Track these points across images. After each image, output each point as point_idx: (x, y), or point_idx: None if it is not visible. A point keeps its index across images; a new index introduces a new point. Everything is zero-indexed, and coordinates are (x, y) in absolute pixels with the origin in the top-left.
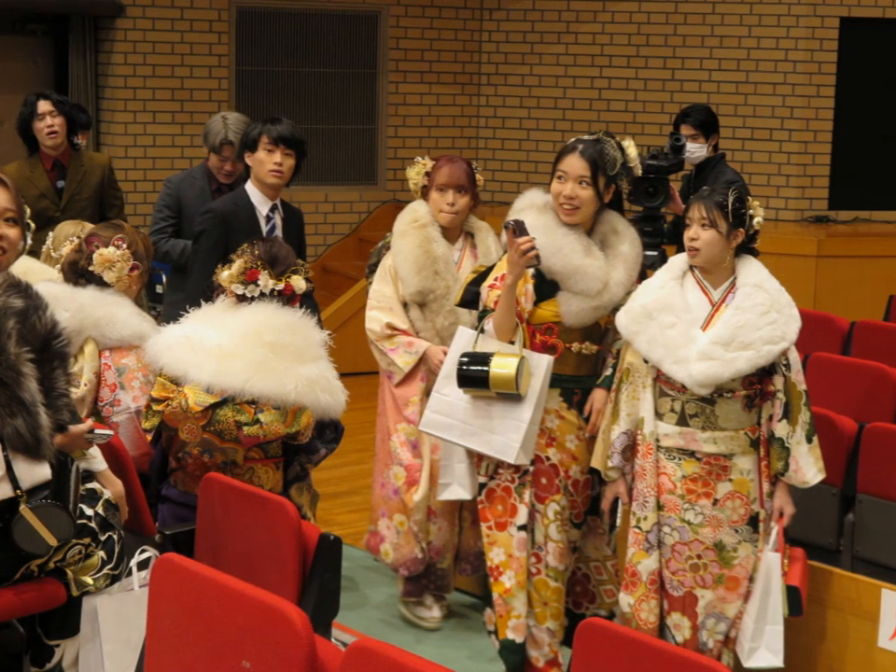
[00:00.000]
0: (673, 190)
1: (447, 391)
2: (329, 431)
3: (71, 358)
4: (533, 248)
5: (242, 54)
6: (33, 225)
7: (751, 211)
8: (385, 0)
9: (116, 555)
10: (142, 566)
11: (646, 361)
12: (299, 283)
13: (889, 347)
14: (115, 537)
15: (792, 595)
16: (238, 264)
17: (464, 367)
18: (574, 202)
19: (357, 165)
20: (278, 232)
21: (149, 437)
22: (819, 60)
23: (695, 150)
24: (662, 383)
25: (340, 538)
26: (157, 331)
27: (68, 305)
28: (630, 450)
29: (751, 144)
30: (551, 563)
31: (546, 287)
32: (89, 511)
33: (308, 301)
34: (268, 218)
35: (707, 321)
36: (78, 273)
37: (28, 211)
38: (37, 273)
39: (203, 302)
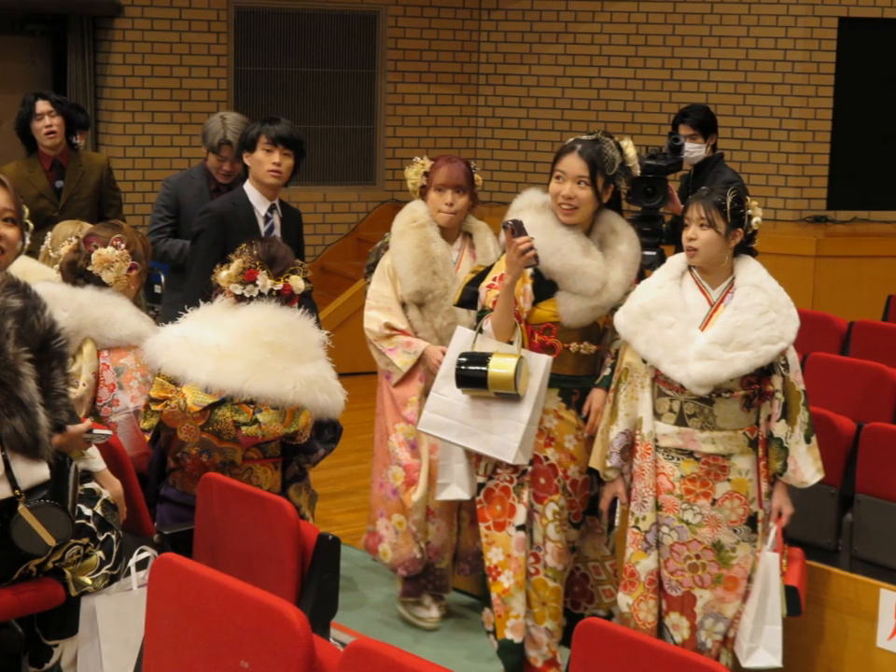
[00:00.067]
0: (671, 190)
1: (446, 391)
2: (327, 431)
3: (69, 358)
4: (531, 248)
5: (240, 54)
6: (31, 225)
7: (750, 211)
8: (384, 0)
9: (114, 555)
10: (140, 566)
11: (644, 361)
12: (297, 283)
13: (888, 347)
14: (113, 537)
15: (791, 594)
16: (236, 264)
17: (462, 367)
18: (572, 202)
19: (355, 165)
20: (277, 232)
21: (148, 437)
22: (818, 60)
23: (694, 150)
24: (660, 383)
25: (338, 538)
26: (155, 331)
27: (67, 305)
28: (628, 450)
29: (750, 144)
30: (549, 563)
31: (544, 286)
32: (87, 511)
33: (306, 301)
34: (266, 218)
35: (706, 321)
36: (77, 272)
37: (27, 211)
38: (36, 273)
39: (201, 302)
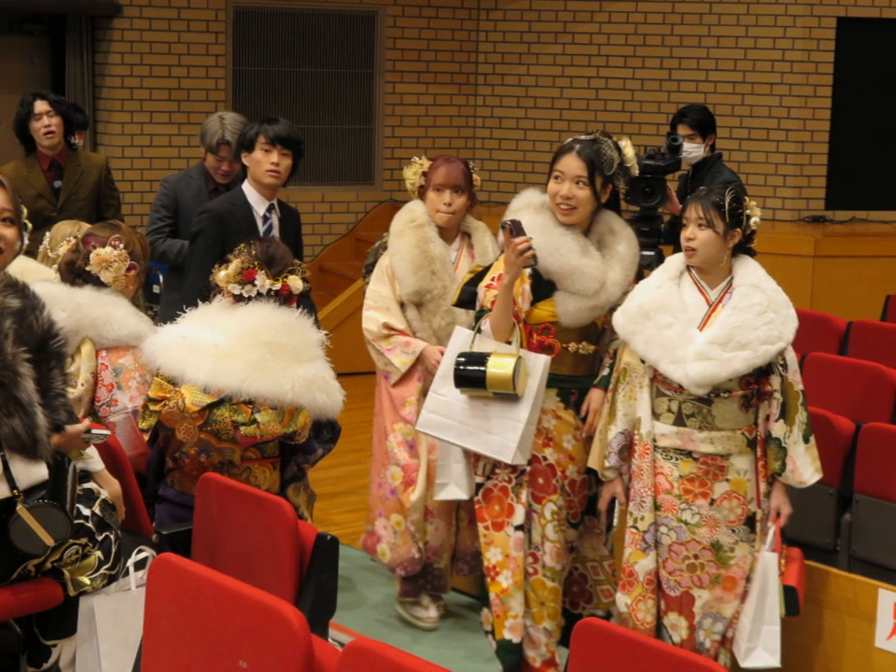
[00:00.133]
0: (670, 190)
1: (444, 391)
2: (325, 431)
3: (68, 358)
4: (530, 248)
5: (239, 54)
6: (30, 225)
7: (748, 211)
8: (382, 0)
9: (113, 555)
10: (139, 566)
11: (643, 361)
12: (296, 283)
13: (887, 347)
14: (112, 537)
15: (789, 594)
16: (235, 264)
17: (461, 367)
18: (571, 202)
19: (353, 165)
20: (275, 232)
21: (146, 437)
22: (816, 60)
23: (692, 150)
24: (659, 383)
25: (337, 538)
26: (154, 331)
27: (65, 305)
28: (627, 450)
29: (748, 144)
30: (548, 563)
31: (543, 287)
32: (86, 511)
33: (305, 301)
34: (265, 218)
35: (704, 321)
36: (75, 272)
37: (25, 211)
38: (34, 273)
39: (199, 302)
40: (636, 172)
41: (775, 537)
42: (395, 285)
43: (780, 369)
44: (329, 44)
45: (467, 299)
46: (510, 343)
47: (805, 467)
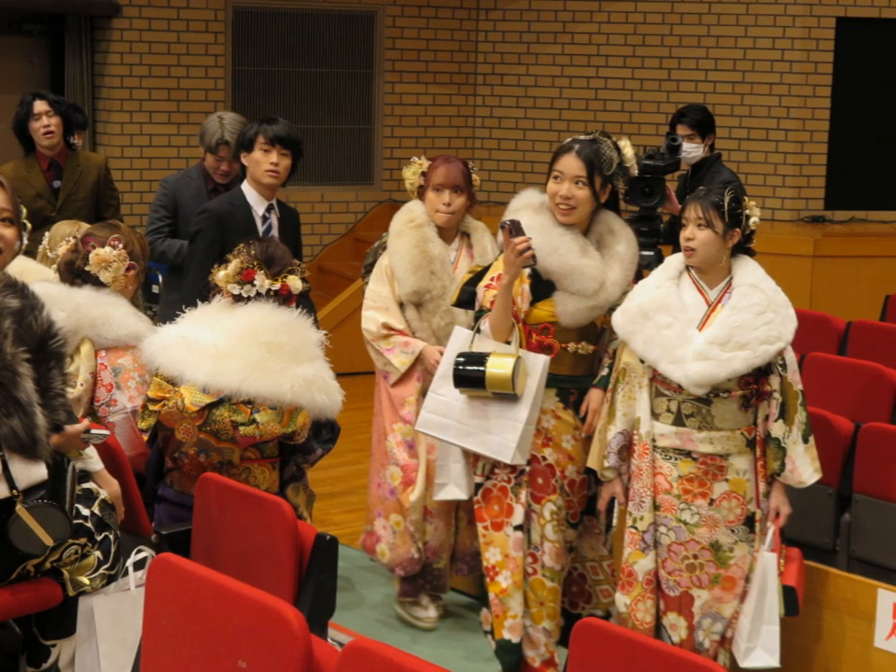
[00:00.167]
0: (669, 190)
1: (443, 391)
2: (325, 431)
3: (67, 358)
4: (529, 248)
5: (238, 54)
6: (29, 225)
7: (747, 211)
8: (382, 0)
9: (112, 555)
10: (138, 566)
11: (642, 361)
12: (295, 283)
13: (886, 347)
14: (111, 537)
15: (788, 594)
16: (234, 264)
17: (460, 367)
18: (570, 202)
19: (353, 165)
20: (274, 232)
21: (145, 437)
22: (816, 60)
23: (692, 150)
24: (658, 383)
25: (336, 538)
26: (153, 331)
27: (64, 305)
28: (626, 450)
29: (748, 144)
30: (547, 563)
31: (542, 287)
32: (85, 511)
33: (304, 301)
34: (264, 218)
35: (704, 321)
36: (75, 273)
37: (24, 211)
38: (34, 273)
39: (199, 302)
40: (635, 172)
41: (774, 537)
42: (394, 285)
43: (779, 369)
44: (328, 44)
45: (466, 299)
46: (509, 342)
47: (804, 467)
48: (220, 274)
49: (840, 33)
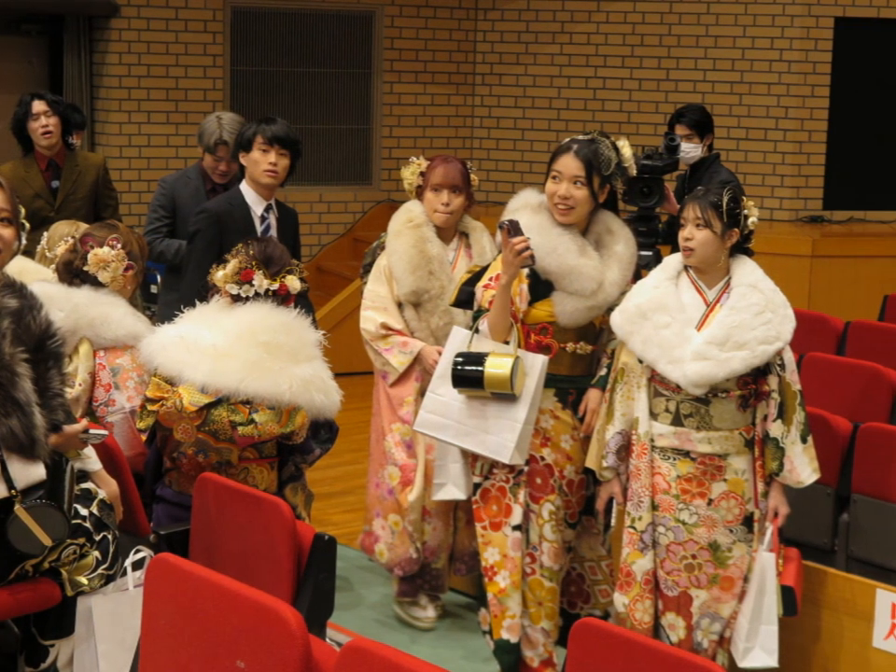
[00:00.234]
0: (668, 190)
1: (442, 391)
2: (323, 431)
3: (66, 358)
4: (528, 248)
5: (236, 54)
6: (27, 225)
7: (746, 211)
8: (380, 0)
9: (110, 555)
10: (137, 566)
11: (640, 361)
12: (293, 283)
13: (884, 347)
14: (110, 537)
15: (787, 595)
16: (233, 264)
17: (459, 367)
18: (569, 202)
19: (351, 165)
20: (273, 232)
21: (144, 437)
22: (814, 60)
23: (690, 150)
24: (656, 383)
25: (334, 538)
26: (151, 331)
27: (63, 305)
28: (625, 450)
29: (746, 144)
30: (545, 563)
31: (541, 287)
32: (83, 511)
33: (303, 301)
34: (262, 218)
35: (702, 321)
36: (73, 273)
37: (23, 211)
38: (32, 273)
39: (197, 302)
40: (633, 172)
41: (772, 537)
42: (392, 285)
43: (778, 369)
44: (326, 44)
45: (464, 299)
46: (507, 343)
47: (802, 467)
48: (219, 274)
49: (838, 33)
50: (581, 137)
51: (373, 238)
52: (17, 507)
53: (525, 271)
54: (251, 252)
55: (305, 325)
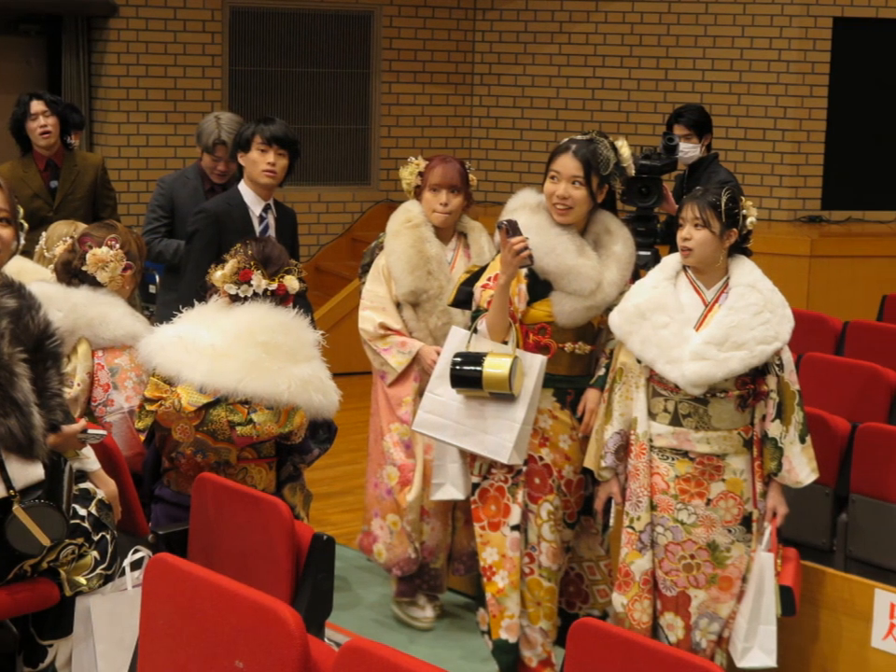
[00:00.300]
0: (666, 190)
1: (440, 391)
2: (322, 431)
3: (64, 358)
4: (526, 248)
5: (235, 54)
6: (26, 225)
7: (744, 211)
8: (379, 0)
9: (109, 555)
10: (135, 566)
11: (639, 361)
12: (292, 283)
13: (883, 347)
14: (108, 537)
15: (786, 595)
16: (231, 264)
17: (457, 367)
18: (567, 202)
19: (350, 165)
20: (271, 232)
21: (142, 437)
22: (813, 60)
23: (688, 150)
24: (655, 383)
25: (333, 538)
26: (150, 331)
27: (61, 305)
28: (623, 450)
29: (744, 144)
30: (544, 563)
31: (539, 287)
32: (82, 511)
33: (301, 301)
34: (261, 218)
35: (701, 321)
36: (72, 272)
37: (21, 211)
38: (31, 273)
39: (196, 302)
40: (632, 172)
41: (771, 537)
42: (391, 285)
43: (777, 369)
44: (325, 44)
45: (463, 299)
46: (506, 343)
47: (801, 467)
48: (217, 274)
49: (837, 33)
50: (579, 137)
51: (372, 238)
52: (15, 507)
53: (524, 271)
54: (249, 252)
55: (304, 325)
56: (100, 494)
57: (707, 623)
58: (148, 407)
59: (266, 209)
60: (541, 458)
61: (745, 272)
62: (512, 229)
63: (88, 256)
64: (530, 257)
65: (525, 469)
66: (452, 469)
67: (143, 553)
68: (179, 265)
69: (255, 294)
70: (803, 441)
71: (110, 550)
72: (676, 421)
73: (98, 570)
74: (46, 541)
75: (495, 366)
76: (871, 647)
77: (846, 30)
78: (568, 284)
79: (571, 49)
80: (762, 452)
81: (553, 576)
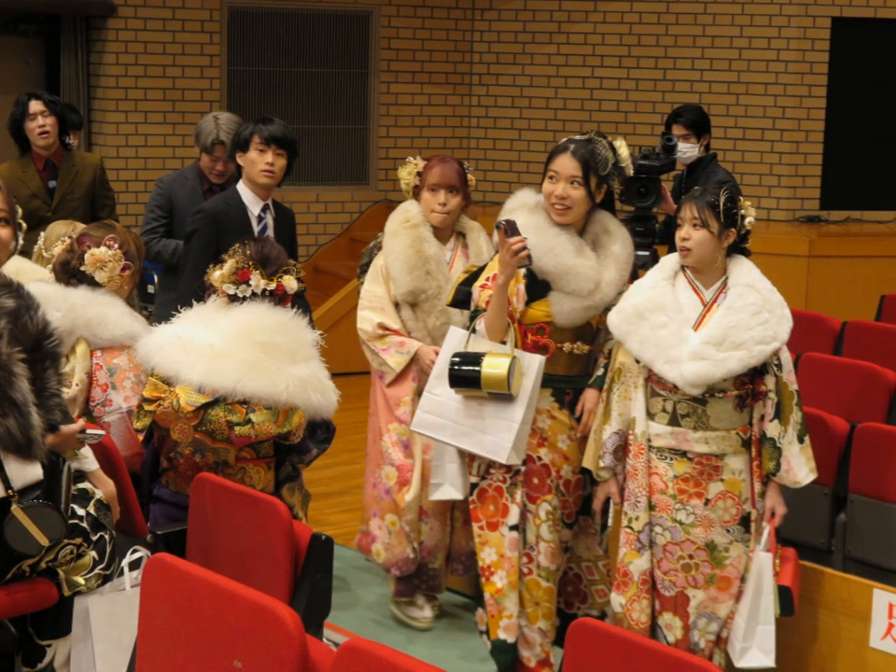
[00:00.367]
0: (664, 190)
1: (439, 391)
2: (320, 431)
3: (63, 358)
4: (524, 248)
5: (233, 54)
6: (24, 225)
7: (743, 211)
8: (377, 0)
9: (107, 555)
10: (133, 566)
11: (637, 361)
12: (290, 283)
13: (881, 347)
14: (106, 537)
15: (784, 595)
16: (230, 264)
17: (455, 367)
18: (566, 202)
19: (348, 165)
20: (270, 232)
21: (141, 437)
22: (811, 60)
23: (687, 150)
24: (653, 383)
25: (331, 538)
26: (148, 331)
27: (60, 305)
28: (622, 450)
29: (743, 144)
30: (542, 563)
31: (538, 287)
32: (80, 511)
33: (300, 301)
34: (259, 218)
35: (699, 321)
36: (70, 272)
37: (20, 211)
38: (29, 273)
39: (194, 302)
40: (630, 172)
41: (769, 537)
42: (389, 285)
43: (775, 369)
44: (323, 44)
45: (461, 299)
46: (504, 343)
47: (799, 467)
48: (216, 274)
49: (835, 33)
50: (577, 137)
51: (370, 238)
52: (14, 507)
53: (522, 271)
54: (248, 252)
55: (302, 325)
56: (98, 494)
57: (706, 623)
58: (147, 407)
59: (264, 209)
60: (540, 458)
61: (743, 272)
62: (511, 229)
63: (86, 256)
64: (529, 257)
65: (523, 468)
66: (450, 469)
67: (141, 552)
68: (178, 265)
69: (253, 294)
70: (801, 441)
71: (109, 550)
72: (674, 421)
73: (96, 570)
74: (44, 541)
75: (493, 366)
76: (869, 647)
77: (844, 30)
78: (567, 284)
79: (569, 49)
80: (760, 452)
81: (551, 576)
